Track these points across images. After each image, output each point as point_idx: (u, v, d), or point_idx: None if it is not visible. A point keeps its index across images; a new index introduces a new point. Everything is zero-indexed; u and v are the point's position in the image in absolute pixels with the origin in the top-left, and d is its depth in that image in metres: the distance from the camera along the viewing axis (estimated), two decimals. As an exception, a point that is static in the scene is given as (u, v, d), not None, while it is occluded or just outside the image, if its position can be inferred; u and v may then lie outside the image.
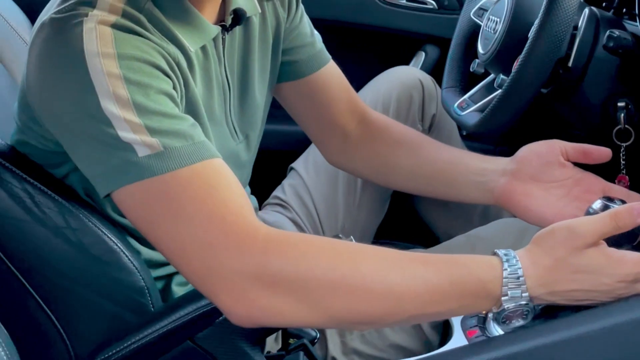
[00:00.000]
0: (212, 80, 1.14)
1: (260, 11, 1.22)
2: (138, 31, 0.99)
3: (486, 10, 1.48)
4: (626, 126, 1.27)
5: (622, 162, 1.28)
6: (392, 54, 2.01)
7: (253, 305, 0.88)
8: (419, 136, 1.37)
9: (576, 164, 1.17)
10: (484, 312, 0.92)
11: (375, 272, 0.89)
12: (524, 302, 0.89)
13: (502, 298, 0.89)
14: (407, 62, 2.02)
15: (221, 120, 1.18)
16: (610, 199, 1.02)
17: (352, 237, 1.12)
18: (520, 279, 0.89)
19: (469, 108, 1.41)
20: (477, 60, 1.50)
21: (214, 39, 1.13)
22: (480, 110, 1.36)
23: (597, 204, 1.01)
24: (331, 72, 1.34)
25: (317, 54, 1.33)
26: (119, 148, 0.93)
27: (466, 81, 1.55)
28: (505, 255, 0.91)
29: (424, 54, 2.01)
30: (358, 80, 1.71)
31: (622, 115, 1.27)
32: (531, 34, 1.20)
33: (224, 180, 0.95)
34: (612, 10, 1.43)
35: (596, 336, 0.89)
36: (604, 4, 1.46)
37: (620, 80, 1.30)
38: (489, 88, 1.43)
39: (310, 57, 1.32)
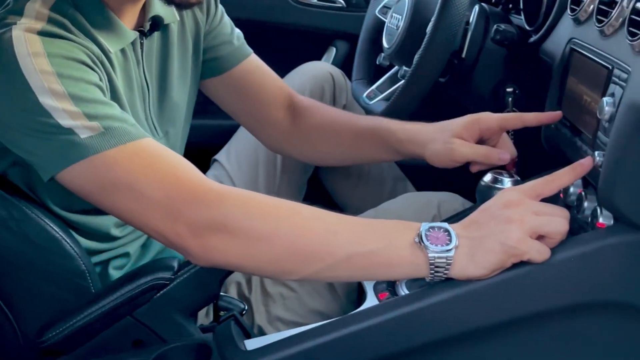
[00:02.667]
0: (133, 80, 1.23)
1: (178, 19, 1.32)
2: (63, 35, 1.08)
3: (389, 8, 1.60)
4: (514, 109, 1.42)
5: (511, 139, 1.43)
6: (306, 50, 2.12)
7: (210, 247, 1.00)
8: (343, 113, 1.51)
9: None
10: (417, 230, 0.99)
11: (312, 216, 1.02)
12: (442, 225, 0.99)
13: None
14: (319, 58, 2.13)
15: (141, 118, 1.27)
16: (500, 173, 1.16)
17: None
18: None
19: (377, 97, 1.54)
20: (382, 54, 1.63)
21: (133, 43, 1.23)
22: (387, 99, 1.49)
23: (488, 177, 1.15)
24: (253, 65, 1.46)
25: (237, 49, 1.44)
26: (60, 133, 1.02)
27: (373, 73, 1.68)
28: None
29: (334, 49, 2.12)
30: (282, 71, 1.82)
31: (510, 99, 1.42)
32: (429, 30, 1.33)
33: (166, 150, 1.06)
34: (500, 6, 1.57)
35: (489, 289, 1.03)
36: (492, 0, 1.61)
37: (507, 68, 1.45)
38: (394, 79, 1.56)
39: (230, 52, 1.43)
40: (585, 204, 1.14)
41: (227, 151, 1.75)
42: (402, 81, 1.42)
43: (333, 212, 1.04)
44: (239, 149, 1.73)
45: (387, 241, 1.00)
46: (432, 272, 0.98)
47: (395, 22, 1.52)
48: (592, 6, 1.19)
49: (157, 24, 1.27)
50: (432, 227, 0.99)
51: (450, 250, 0.97)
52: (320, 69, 1.79)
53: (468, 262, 0.98)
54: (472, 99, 1.51)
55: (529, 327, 1.04)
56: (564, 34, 1.29)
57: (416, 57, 1.33)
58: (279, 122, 1.48)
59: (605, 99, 1.02)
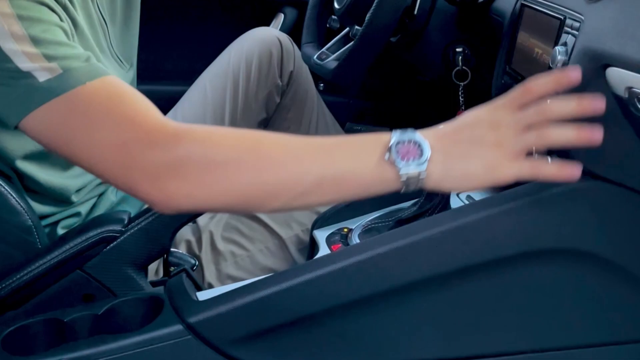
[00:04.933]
0: (93, 17, 1.21)
1: None
2: None
3: (340, -30, 1.59)
4: (464, 67, 1.43)
5: (461, 99, 1.44)
6: (254, 17, 2.11)
7: (171, 192, 0.95)
8: None
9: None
10: (386, 145, 0.93)
11: (277, 144, 0.97)
12: (414, 137, 0.92)
13: (392, 134, 0.94)
14: (267, 24, 2.11)
15: (107, 54, 1.25)
16: None
17: None
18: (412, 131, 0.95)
19: (328, 58, 1.53)
20: (333, 17, 1.62)
21: None
22: (338, 59, 1.48)
23: None
24: None
25: None
26: (20, 78, 0.99)
27: (324, 37, 1.67)
28: None
29: (282, 15, 2.11)
30: (223, 42, 1.81)
31: (460, 58, 1.43)
32: (382, -14, 1.32)
33: (126, 89, 1.02)
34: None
35: (445, 237, 1.04)
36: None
37: (457, 28, 1.46)
38: (345, 40, 1.55)
39: None
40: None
41: (173, 114, 1.73)
42: (355, 39, 1.41)
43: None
44: (185, 111, 1.72)
45: (356, 161, 0.94)
46: (405, 186, 0.94)
47: (347, -19, 1.51)
48: (543, -39, 1.20)
49: None
50: (402, 141, 0.93)
51: (422, 164, 0.92)
52: (268, 34, 1.78)
53: (443, 177, 0.93)
54: (423, 60, 1.52)
55: (484, 274, 1.05)
56: (514, -9, 1.30)
57: (368, 13, 1.33)
58: None
59: (558, 48, 1.03)
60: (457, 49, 1.45)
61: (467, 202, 1.23)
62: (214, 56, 1.81)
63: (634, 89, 0.90)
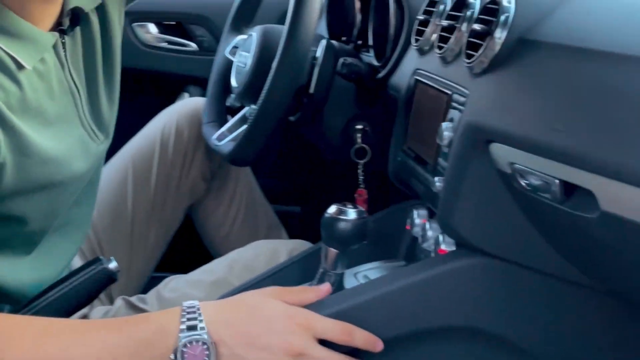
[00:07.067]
0: (54, 90, 1.06)
1: (100, 1, 1.15)
2: None
3: (239, 48, 1.57)
4: (363, 145, 1.40)
5: (361, 177, 1.41)
6: (157, 96, 2.08)
7: None
8: None
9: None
10: (173, 345, 0.91)
11: (57, 352, 0.91)
12: (202, 335, 0.91)
13: (180, 327, 0.91)
14: (172, 103, 2.07)
15: (76, 125, 1.12)
16: (344, 204, 1.11)
17: (112, 258, 1.13)
18: (196, 307, 0.93)
19: (226, 138, 1.48)
20: (232, 95, 1.58)
21: (54, 46, 1.05)
22: (235, 140, 1.43)
23: (332, 209, 1.10)
24: None
25: None
26: None
27: (225, 116, 1.63)
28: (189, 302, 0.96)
29: (187, 94, 2.08)
30: (127, 123, 1.75)
31: (359, 135, 1.40)
32: (273, 65, 1.28)
33: None
34: (351, 44, 1.57)
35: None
36: (343, 39, 1.61)
37: (358, 105, 1.44)
38: (243, 119, 1.51)
39: None
40: (429, 233, 1.12)
41: None
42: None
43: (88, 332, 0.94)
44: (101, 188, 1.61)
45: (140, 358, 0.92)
46: None
47: (244, 59, 1.47)
48: (434, 35, 1.19)
49: (78, 16, 1.08)
50: (191, 342, 0.91)
51: None
52: (199, 107, 1.68)
53: None
54: (323, 138, 1.48)
55: (377, 355, 1.01)
56: (409, 66, 1.29)
57: (262, 94, 1.29)
58: None
59: (444, 124, 1.01)
60: (357, 126, 1.42)
61: (362, 282, 1.18)
62: (118, 138, 1.74)
63: (516, 165, 0.88)
